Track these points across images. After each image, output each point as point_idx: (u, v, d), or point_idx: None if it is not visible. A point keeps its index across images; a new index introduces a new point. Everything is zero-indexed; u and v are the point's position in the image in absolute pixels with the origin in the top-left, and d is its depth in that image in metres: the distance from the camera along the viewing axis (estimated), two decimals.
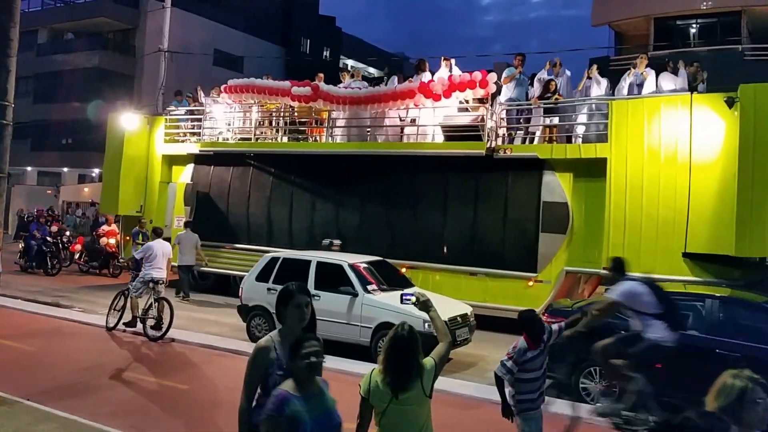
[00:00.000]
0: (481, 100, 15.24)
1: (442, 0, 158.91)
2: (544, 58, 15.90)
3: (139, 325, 12.31)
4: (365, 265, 12.26)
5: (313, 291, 11.49)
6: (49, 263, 21.16)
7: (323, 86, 17.10)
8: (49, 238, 21.70)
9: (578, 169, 14.04)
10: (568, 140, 14.65)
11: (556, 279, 13.96)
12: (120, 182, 20.10)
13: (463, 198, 15.26)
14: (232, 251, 18.08)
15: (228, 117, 19.71)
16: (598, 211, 13.63)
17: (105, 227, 21.95)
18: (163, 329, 11.99)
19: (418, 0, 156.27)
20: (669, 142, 12.91)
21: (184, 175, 20.00)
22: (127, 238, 20.31)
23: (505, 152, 14.68)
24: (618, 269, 7.89)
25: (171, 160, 20.46)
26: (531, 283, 14.19)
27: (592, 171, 13.75)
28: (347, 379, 9.72)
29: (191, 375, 10.19)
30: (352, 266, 11.81)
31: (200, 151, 19.19)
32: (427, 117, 15.97)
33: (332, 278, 11.79)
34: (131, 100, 40.35)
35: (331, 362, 10.48)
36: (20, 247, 22.29)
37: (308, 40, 53.06)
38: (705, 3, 20.32)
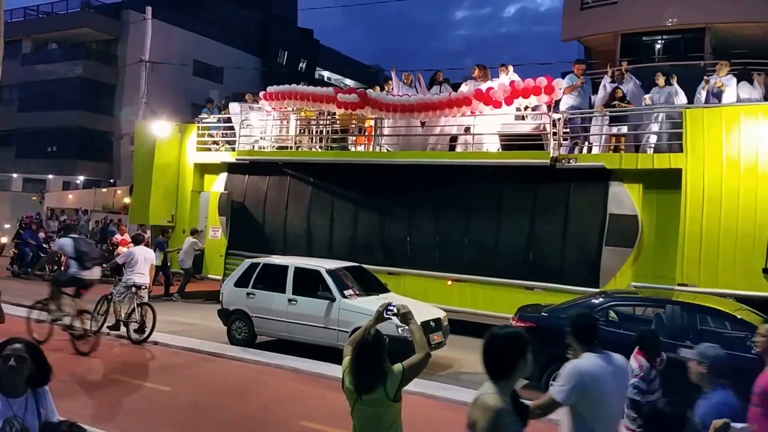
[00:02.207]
0: (542, 108, 14.52)
1: (416, 14, 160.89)
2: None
3: (123, 329, 12.56)
4: (342, 271, 12.50)
5: (290, 296, 11.93)
6: (47, 269, 20.55)
7: (371, 93, 16.34)
8: (45, 245, 21.48)
9: (648, 179, 13.20)
10: (635, 150, 13.84)
11: None
12: (151, 191, 19.39)
13: (519, 209, 14.40)
14: None
15: (263, 125, 18.97)
16: (670, 224, 12.79)
17: (118, 236, 21.26)
18: (146, 333, 12.25)
19: (392, 14, 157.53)
20: (749, 153, 12.08)
21: (216, 184, 19.27)
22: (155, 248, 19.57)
23: (569, 162, 13.87)
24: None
25: (203, 169, 19.82)
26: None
27: (664, 182, 12.95)
28: (324, 382, 10.15)
29: (173, 377, 10.45)
30: (330, 272, 12.04)
31: (236, 159, 18.37)
32: (482, 125, 15.22)
33: (310, 284, 12.01)
34: (114, 110, 40.74)
35: (308, 365, 10.99)
36: (12, 252, 22.14)
37: (286, 52, 53.48)
38: (670, 20, 20.92)
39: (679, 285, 12.05)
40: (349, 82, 51.42)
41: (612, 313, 9.84)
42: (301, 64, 54.87)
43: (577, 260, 13.65)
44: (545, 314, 10.18)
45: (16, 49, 44.85)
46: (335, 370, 10.25)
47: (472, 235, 14.94)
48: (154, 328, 12.28)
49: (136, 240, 13.68)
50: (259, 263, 13.08)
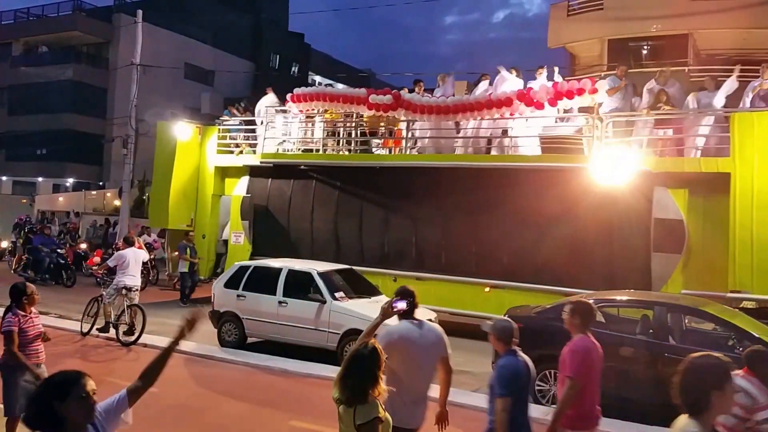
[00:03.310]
0: (582, 110, 14.38)
1: (406, 19, 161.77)
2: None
3: (112, 331, 12.58)
4: (333, 274, 12.57)
5: (281, 298, 11.99)
6: (64, 275, 20.49)
7: (405, 95, 15.97)
8: (60, 250, 21.20)
9: (694, 184, 12.83)
10: (679, 153, 13.52)
11: None
12: (170, 195, 18.97)
13: (561, 214, 13.79)
14: None
15: (287, 127, 18.65)
16: (717, 230, 12.48)
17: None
18: (136, 335, 12.28)
19: (382, 18, 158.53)
20: None
21: (237, 187, 18.72)
22: (175, 252, 19.16)
23: (614, 167, 13.20)
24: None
25: (223, 172, 19.41)
26: None
27: (711, 186, 12.63)
28: (314, 381, 10.22)
29: (162, 379, 10.38)
30: (321, 274, 12.09)
31: (261, 162, 17.89)
32: (521, 127, 15.00)
33: (301, 286, 12.07)
34: (104, 113, 40.70)
35: (298, 366, 11.05)
36: (24, 257, 21.77)
37: (277, 56, 53.62)
38: (655, 26, 21.23)
39: (731, 292, 11.86)
40: (340, 86, 51.57)
41: (599, 314, 9.92)
42: (293, 68, 54.98)
43: (627, 266, 13.19)
44: (534, 315, 10.27)
45: (6, 51, 45.04)
46: (325, 371, 10.38)
47: (511, 240, 14.44)
48: (144, 330, 12.32)
49: (127, 241, 13.68)
50: (250, 265, 13.14)
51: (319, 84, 56.17)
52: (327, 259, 15.74)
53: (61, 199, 38.25)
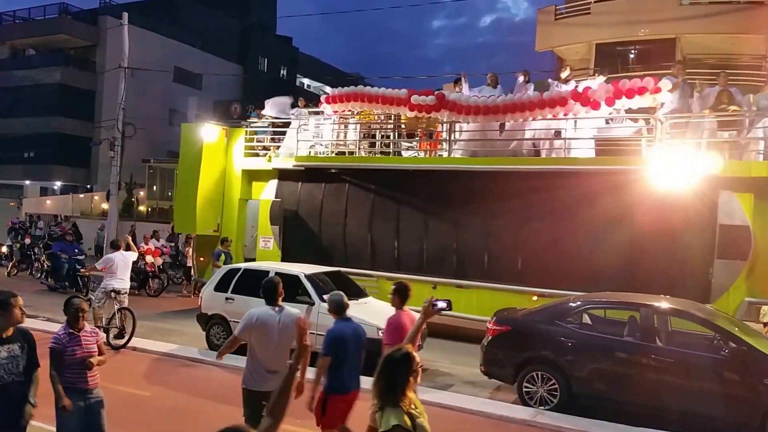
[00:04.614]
0: (641, 110, 13.74)
1: (395, 22, 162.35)
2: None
3: (102, 335, 12.55)
4: (321, 276, 12.62)
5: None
6: (80, 282, 19.82)
7: (449, 95, 15.29)
8: (80, 257, 20.83)
9: (761, 188, 12.30)
10: (739, 157, 12.95)
11: (735, 311, 12.03)
12: (197, 199, 18.16)
13: (616, 219, 13.27)
14: None
15: (318, 130, 18.07)
16: None
17: (143, 246, 20.62)
18: (126, 338, 12.28)
19: (371, 22, 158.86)
20: None
21: (265, 192, 18.11)
22: (201, 258, 18.68)
23: (673, 169, 12.64)
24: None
25: (250, 176, 18.70)
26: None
27: None
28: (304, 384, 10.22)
29: (152, 382, 10.49)
30: (308, 276, 12.14)
31: (294, 165, 17.25)
32: (571, 129, 14.44)
33: (289, 288, 12.09)
34: (92, 116, 40.58)
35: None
36: (46, 266, 21.42)
37: (266, 59, 53.72)
38: (642, 30, 21.41)
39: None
40: (328, 89, 51.70)
41: (586, 317, 10.02)
42: (282, 71, 55.04)
43: (687, 274, 12.65)
44: (521, 317, 10.34)
45: None
46: (313, 374, 10.35)
47: (561, 247, 13.82)
48: (134, 333, 12.33)
49: (114, 245, 13.62)
50: (239, 268, 13.15)
51: (308, 87, 56.34)
52: (362, 267, 15.85)
53: (48, 202, 38.21)
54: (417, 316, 6.13)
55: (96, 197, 37.19)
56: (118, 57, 24.64)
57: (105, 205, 29.87)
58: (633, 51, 22.76)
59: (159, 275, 20.41)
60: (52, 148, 41.65)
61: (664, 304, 9.54)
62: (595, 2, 22.85)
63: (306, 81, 58.51)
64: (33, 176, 43.60)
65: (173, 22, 45.93)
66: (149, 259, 20.16)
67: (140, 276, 19.85)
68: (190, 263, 20.40)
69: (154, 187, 39.37)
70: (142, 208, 37.06)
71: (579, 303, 10.00)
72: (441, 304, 4.81)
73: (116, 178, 24.15)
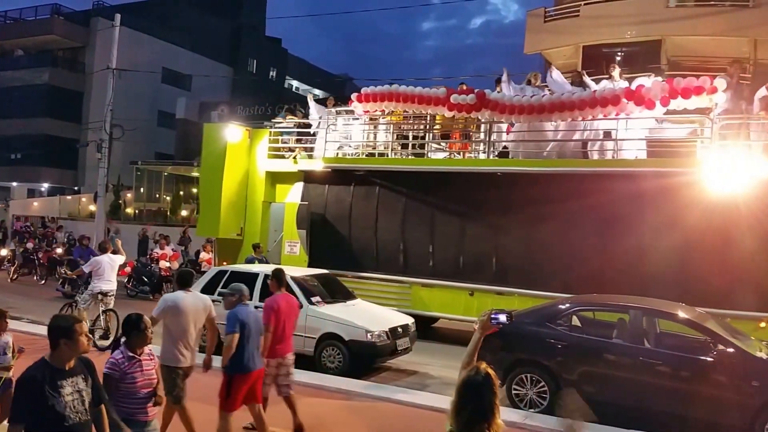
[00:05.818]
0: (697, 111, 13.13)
1: (384, 24, 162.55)
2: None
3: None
4: (309, 278, 12.58)
5: (258, 303, 11.89)
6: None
7: (491, 94, 14.71)
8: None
9: None
10: None
11: None
12: (221, 202, 17.61)
13: (669, 224, 12.67)
14: (355, 280, 15.41)
15: (347, 130, 17.47)
16: None
17: (158, 250, 20.56)
18: (110, 339, 12.13)
19: (360, 24, 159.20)
20: None
21: (290, 194, 17.56)
22: (225, 263, 17.10)
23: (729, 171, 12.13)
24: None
25: (274, 178, 18.02)
26: (763, 324, 11.65)
27: None
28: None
29: None
30: (296, 279, 12.04)
31: (323, 167, 16.68)
32: (622, 129, 13.76)
33: None
34: (80, 117, 40.37)
35: None
36: (65, 273, 20.50)
37: (255, 61, 53.70)
38: (629, 33, 21.52)
39: None
40: (317, 91, 51.82)
41: (575, 319, 10.01)
42: (271, 73, 55.01)
43: (746, 281, 12.05)
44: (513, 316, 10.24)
45: None
46: (301, 376, 10.23)
47: (610, 253, 13.19)
48: (118, 335, 12.20)
49: (101, 248, 13.55)
50: (227, 270, 13.07)
51: (297, 89, 56.28)
52: (394, 272, 15.44)
53: (36, 203, 37.95)
54: (294, 299, 8.06)
55: (83, 199, 37.01)
56: (107, 58, 24.58)
57: (93, 207, 29.70)
58: (619, 53, 22.86)
59: (172, 280, 19.91)
60: (39, 149, 41.44)
61: (652, 306, 9.52)
62: (584, 5, 22.90)
63: (295, 83, 58.47)
64: (20, 178, 43.41)
65: (163, 23, 45.81)
66: (163, 264, 19.92)
67: (154, 280, 19.68)
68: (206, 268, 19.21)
69: (142, 189, 39.20)
70: (129, 210, 36.90)
71: (568, 305, 10.01)
72: (501, 318, 4.24)
73: (104, 180, 24.05)
